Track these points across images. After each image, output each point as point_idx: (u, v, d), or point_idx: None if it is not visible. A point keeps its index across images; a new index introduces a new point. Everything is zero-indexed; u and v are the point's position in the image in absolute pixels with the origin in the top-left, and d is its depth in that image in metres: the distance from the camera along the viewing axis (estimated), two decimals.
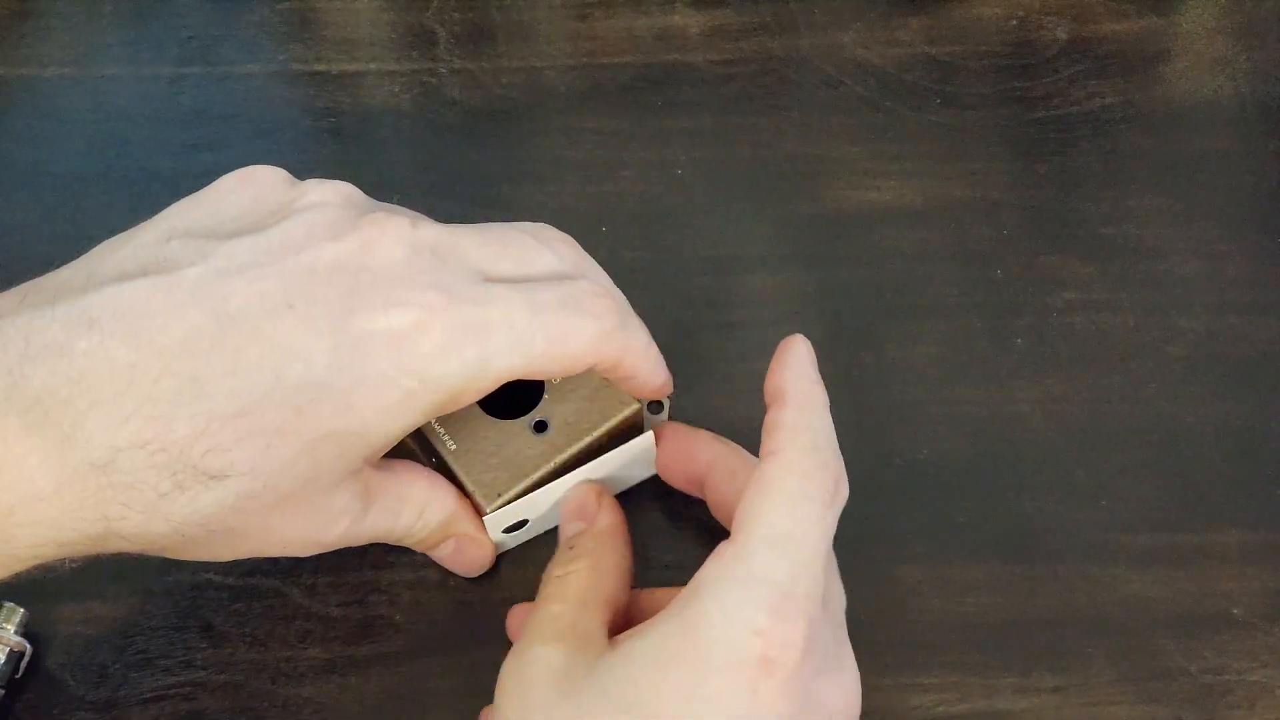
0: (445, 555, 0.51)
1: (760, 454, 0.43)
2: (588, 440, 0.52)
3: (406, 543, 0.49)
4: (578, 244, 0.49)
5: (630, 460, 0.52)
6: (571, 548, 0.48)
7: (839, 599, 0.46)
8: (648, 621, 0.42)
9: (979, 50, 0.64)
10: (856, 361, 0.57)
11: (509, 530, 0.52)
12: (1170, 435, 0.56)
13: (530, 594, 0.48)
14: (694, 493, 0.51)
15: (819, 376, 0.45)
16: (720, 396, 0.57)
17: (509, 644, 0.52)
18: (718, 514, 0.50)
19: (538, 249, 0.46)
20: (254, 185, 0.46)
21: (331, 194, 0.45)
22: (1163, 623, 0.52)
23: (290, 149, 0.62)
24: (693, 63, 0.64)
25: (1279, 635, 0.52)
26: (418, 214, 0.46)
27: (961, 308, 0.58)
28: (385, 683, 0.51)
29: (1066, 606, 0.53)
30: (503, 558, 0.54)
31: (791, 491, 0.42)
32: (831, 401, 0.56)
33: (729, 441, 0.50)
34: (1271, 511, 0.54)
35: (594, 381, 0.53)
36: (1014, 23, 0.64)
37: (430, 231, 0.44)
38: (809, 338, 0.57)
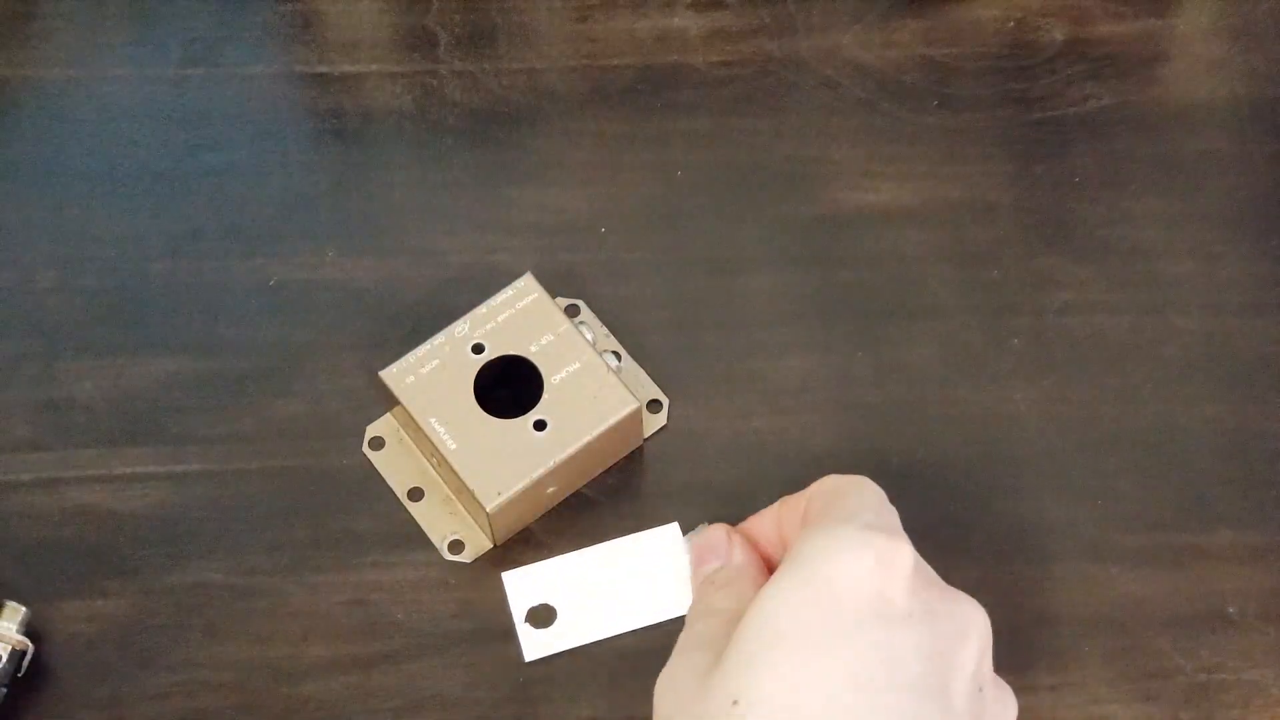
0: None
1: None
2: (587, 439, 0.53)
3: None
4: None
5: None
6: (713, 582, 0.48)
7: None
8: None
9: (976, 52, 0.64)
10: (854, 362, 0.57)
11: (536, 622, 0.52)
12: (1166, 436, 0.56)
13: None
14: None
15: None
16: (720, 397, 0.57)
17: (509, 642, 0.52)
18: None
19: None
20: None
21: None
22: (1158, 622, 0.53)
23: (293, 150, 0.62)
24: (692, 64, 0.64)
25: (1274, 634, 0.52)
26: None
27: (958, 308, 0.58)
28: (387, 681, 0.52)
29: (1062, 606, 0.53)
30: (503, 558, 0.54)
31: (846, 488, 0.47)
32: (829, 402, 0.57)
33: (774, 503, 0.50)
34: (1266, 512, 0.54)
35: (594, 381, 0.53)
36: (1011, 24, 0.65)
37: None
38: (807, 338, 0.58)
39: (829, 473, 0.54)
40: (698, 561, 0.50)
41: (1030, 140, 0.62)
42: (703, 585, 0.48)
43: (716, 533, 0.50)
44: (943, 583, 0.45)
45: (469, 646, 0.52)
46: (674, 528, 0.53)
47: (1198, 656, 0.52)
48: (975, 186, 0.61)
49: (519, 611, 0.52)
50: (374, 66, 0.64)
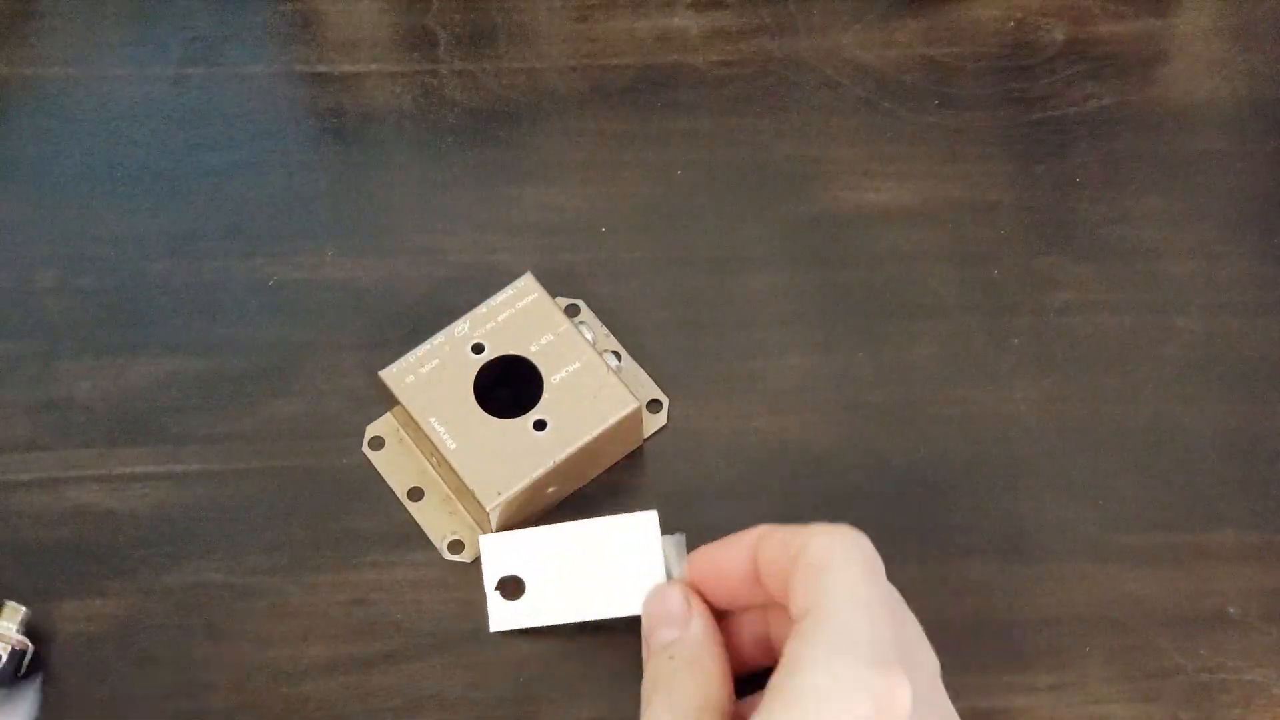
0: None
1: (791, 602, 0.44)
2: (587, 439, 0.53)
3: None
4: None
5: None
6: (671, 656, 0.46)
7: (932, 662, 0.45)
8: (755, 713, 0.41)
9: (977, 52, 0.64)
10: (854, 361, 0.57)
11: (505, 592, 0.52)
12: (1167, 435, 0.56)
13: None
14: (742, 601, 0.48)
15: None
16: (720, 397, 0.57)
17: (509, 642, 0.52)
18: (778, 590, 0.46)
19: None
20: None
21: None
22: (1159, 622, 0.53)
23: (293, 150, 0.62)
24: (693, 64, 0.64)
25: (1275, 634, 0.52)
26: None
27: (959, 308, 0.58)
28: (386, 681, 0.52)
29: (1063, 605, 0.53)
30: None
31: (840, 562, 0.43)
32: (830, 402, 0.57)
33: (750, 530, 0.47)
34: (1267, 511, 0.54)
35: (594, 381, 0.53)
36: (1012, 24, 0.65)
37: None
38: (807, 338, 0.58)
39: (828, 473, 0.55)
40: (652, 626, 0.47)
41: (1030, 140, 0.62)
42: (658, 656, 0.46)
43: (673, 598, 0.47)
44: (940, 710, 0.44)
45: (469, 646, 0.52)
46: (652, 515, 0.52)
47: (1198, 656, 0.52)
48: (976, 186, 0.61)
49: (490, 579, 0.52)
50: (374, 66, 0.64)
